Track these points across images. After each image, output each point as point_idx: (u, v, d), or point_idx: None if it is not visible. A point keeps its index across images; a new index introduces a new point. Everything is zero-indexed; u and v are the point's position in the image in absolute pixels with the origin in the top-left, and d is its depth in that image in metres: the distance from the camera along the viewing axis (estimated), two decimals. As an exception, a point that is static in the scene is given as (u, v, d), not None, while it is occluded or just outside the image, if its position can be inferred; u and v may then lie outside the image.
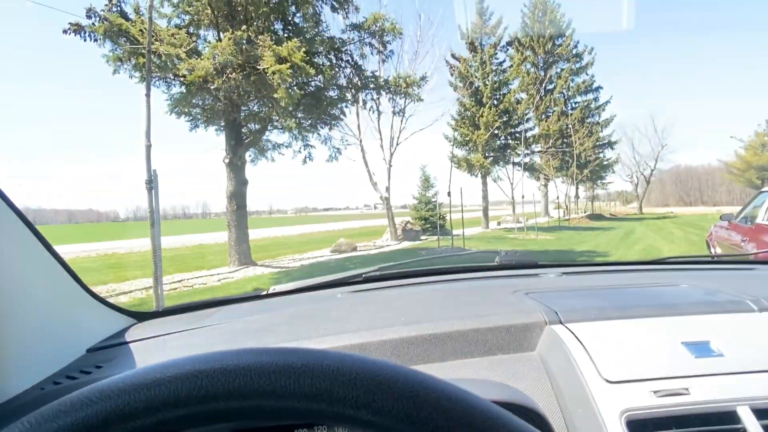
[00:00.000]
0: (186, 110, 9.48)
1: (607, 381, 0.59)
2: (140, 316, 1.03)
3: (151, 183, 4.90)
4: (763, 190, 5.44)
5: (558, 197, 29.54)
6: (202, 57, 8.08)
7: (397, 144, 16.61)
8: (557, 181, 30.09)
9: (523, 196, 21.08)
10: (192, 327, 0.88)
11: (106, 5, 7.53)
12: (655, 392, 0.57)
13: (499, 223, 23.63)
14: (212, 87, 8.38)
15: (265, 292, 1.16)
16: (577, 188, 33.02)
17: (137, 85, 8.79)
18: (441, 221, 16.17)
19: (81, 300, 0.84)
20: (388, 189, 16.42)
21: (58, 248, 0.78)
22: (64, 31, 7.30)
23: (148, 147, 5.18)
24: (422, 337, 0.70)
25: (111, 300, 0.97)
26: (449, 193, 13.60)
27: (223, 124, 9.90)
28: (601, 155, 31.12)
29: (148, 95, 5.42)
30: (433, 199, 18.23)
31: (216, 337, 0.81)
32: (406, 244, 14.92)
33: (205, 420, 0.29)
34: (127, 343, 0.83)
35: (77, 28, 7.30)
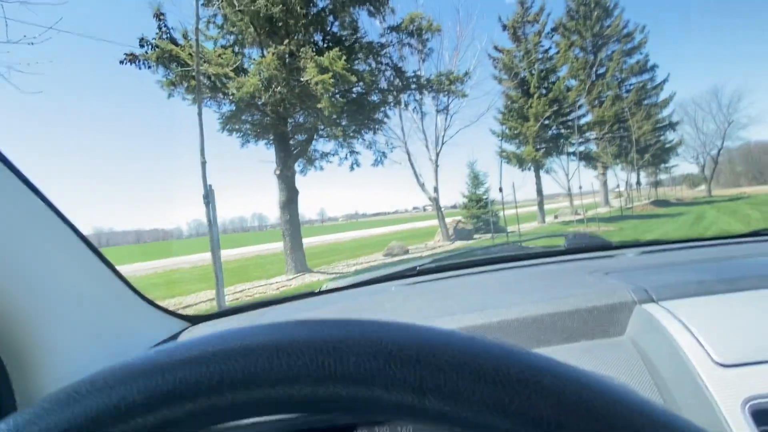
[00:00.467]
0: (237, 127, 9.85)
1: (721, 365, 0.51)
2: (194, 319, 1.02)
3: (208, 198, 5.09)
4: None
5: (618, 185, 28.10)
6: (248, 74, 8.37)
7: (443, 143, 16.46)
8: (616, 168, 28.64)
9: (580, 187, 20.24)
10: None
11: (157, 33, 7.97)
12: None
13: (556, 217, 22.78)
14: (260, 102, 8.66)
15: (318, 290, 1.13)
16: (638, 175, 31.25)
17: (191, 106, 9.26)
18: (494, 218, 15.80)
19: (134, 305, 0.84)
20: (436, 189, 16.27)
21: (127, 266, 0.78)
22: (121, 62, 7.80)
23: (203, 164, 5.40)
24: (488, 326, 0.63)
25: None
26: (501, 189, 13.27)
27: (272, 137, 10.20)
28: (663, 138, 29.35)
29: (200, 114, 5.66)
30: (484, 197, 17.86)
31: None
32: (458, 244, 14.69)
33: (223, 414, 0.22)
34: None
35: (132, 58, 7.78)
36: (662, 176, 38.52)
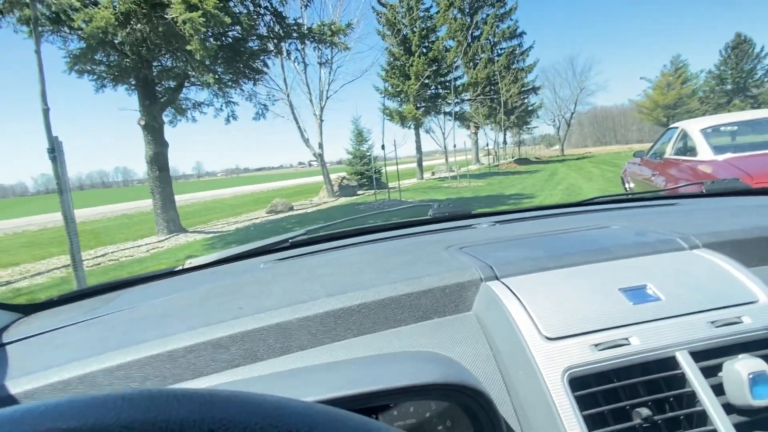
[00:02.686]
0: (88, 68, 8.53)
1: (547, 338, 0.57)
2: (26, 309, 0.89)
3: (54, 151, 4.40)
4: (670, 127, 5.85)
5: (488, 144, 30.41)
6: (99, 6, 7.19)
7: (327, 97, 16.16)
8: (486, 128, 30.93)
9: (455, 145, 21.44)
10: (86, 318, 0.76)
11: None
12: (595, 345, 0.56)
13: (433, 173, 24.05)
14: (116, 41, 7.55)
15: (179, 268, 1.05)
16: (505, 134, 34.15)
17: (27, 40, 7.72)
18: (377, 175, 16.16)
19: None
20: (321, 145, 16.06)
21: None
22: None
23: (46, 111, 4.60)
24: (350, 309, 0.64)
25: (25, 283, 0.83)
26: (383, 147, 13.56)
27: (133, 82, 9.04)
28: (526, 101, 32.20)
29: (38, 51, 4.76)
30: (368, 153, 18.11)
31: (112, 329, 0.69)
32: (343, 200, 14.84)
33: None
34: (4, 344, 0.70)
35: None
36: (525, 136, 42.59)
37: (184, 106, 10.47)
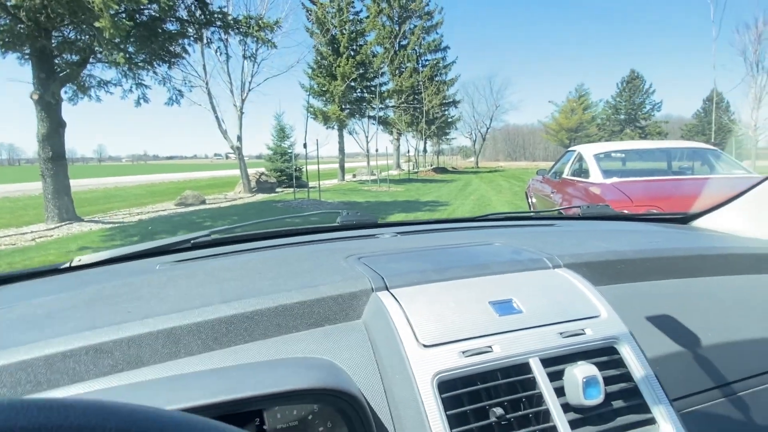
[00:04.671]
0: (-29, 29, 7.51)
1: (423, 345, 0.62)
2: None
3: None
4: (568, 149, 6.45)
5: (408, 151, 31.24)
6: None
7: (249, 89, 15.64)
8: (408, 135, 31.80)
9: (377, 150, 21.75)
10: None
11: None
12: (463, 352, 0.62)
13: (354, 176, 24.19)
14: (9, 3, 6.75)
15: (65, 265, 0.98)
16: (425, 143, 35.30)
17: None
18: (297, 173, 15.93)
19: None
20: (240, 138, 15.50)
21: None
22: None
23: None
24: (243, 316, 0.65)
25: None
26: (305, 145, 13.40)
27: (28, 51, 8.11)
28: (447, 112, 33.58)
29: None
30: (289, 150, 17.78)
31: None
32: (260, 197, 14.44)
33: None
34: None
35: None
36: (444, 146, 44.32)
37: (87, 84, 9.58)
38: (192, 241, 1.07)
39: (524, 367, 0.64)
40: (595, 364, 0.65)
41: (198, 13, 8.89)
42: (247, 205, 12.33)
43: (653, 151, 6.03)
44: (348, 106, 22.09)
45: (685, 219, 1.45)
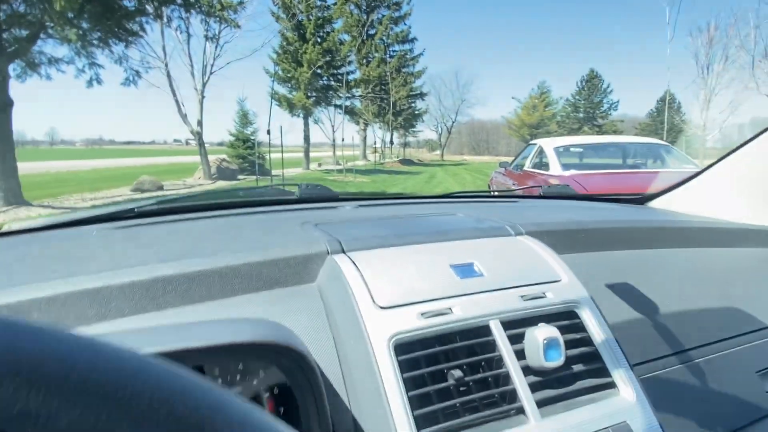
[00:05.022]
0: None
1: (380, 307, 0.61)
2: None
3: None
4: (530, 143, 6.64)
5: (375, 142, 31.24)
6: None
7: (211, 73, 15.22)
8: (375, 126, 31.77)
9: (343, 139, 21.65)
10: None
11: None
12: (422, 314, 0.61)
13: (319, 165, 23.98)
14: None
15: None
16: (392, 134, 35.40)
17: None
18: (260, 160, 15.65)
19: None
20: (200, 123, 15.09)
21: None
22: None
23: None
24: (184, 276, 0.61)
25: None
26: (269, 132, 13.15)
27: (-31, 22, 7.60)
28: (414, 105, 33.71)
29: None
30: (252, 137, 17.42)
31: None
32: (221, 183, 14.12)
33: None
34: None
35: None
36: (410, 138, 44.56)
37: (37, 61, 9.07)
38: (136, 209, 1.00)
39: (484, 330, 0.63)
40: (558, 327, 0.64)
41: (157, -10, 8.55)
42: (207, 192, 12.02)
43: (609, 145, 6.31)
44: (314, 94, 21.82)
45: (642, 200, 1.52)
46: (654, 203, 1.48)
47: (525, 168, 6.01)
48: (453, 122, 51.31)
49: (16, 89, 7.95)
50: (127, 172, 18.69)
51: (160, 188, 11.92)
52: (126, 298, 0.58)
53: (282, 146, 13.48)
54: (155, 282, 0.60)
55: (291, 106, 21.01)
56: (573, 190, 1.78)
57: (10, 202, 8.17)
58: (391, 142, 36.84)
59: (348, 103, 24.58)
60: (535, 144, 6.18)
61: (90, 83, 9.21)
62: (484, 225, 0.88)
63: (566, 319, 0.69)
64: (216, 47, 14.85)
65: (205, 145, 15.14)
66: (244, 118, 17.99)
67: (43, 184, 12.92)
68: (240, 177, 15.95)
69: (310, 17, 20.67)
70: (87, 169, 21.06)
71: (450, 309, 0.62)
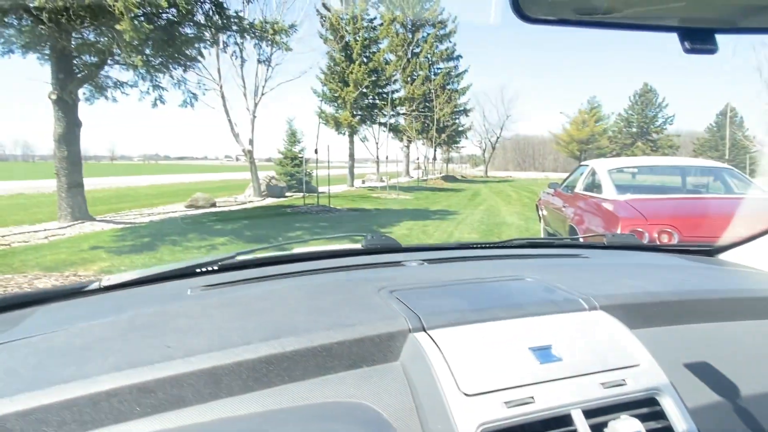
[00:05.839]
0: (-6, 30, 7.66)
1: (465, 394, 0.62)
2: None
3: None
4: (582, 164, 6.43)
5: (418, 158, 31.29)
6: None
7: (262, 94, 15.77)
8: (418, 143, 31.84)
9: (387, 156, 21.84)
10: None
11: None
12: (506, 403, 0.62)
13: (363, 182, 24.24)
14: (32, 5, 6.88)
15: (95, 285, 0.95)
16: (435, 151, 35.32)
17: None
18: (307, 178, 16.00)
19: None
20: (251, 141, 15.61)
21: None
22: None
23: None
24: (283, 355, 0.64)
25: None
26: (316, 151, 13.45)
27: (47, 52, 8.25)
28: (458, 121, 33.61)
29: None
30: (300, 155, 17.87)
31: (22, 359, 0.63)
32: (270, 201, 14.50)
33: None
34: None
35: None
36: (453, 154, 44.36)
37: (104, 84, 9.72)
38: (219, 264, 1.07)
39: (566, 419, 0.63)
40: (636, 416, 0.64)
41: (215, 17, 8.99)
42: (257, 209, 12.39)
43: (667, 168, 5.99)
44: (359, 113, 22.17)
45: (712, 252, 1.43)
46: (726, 255, 1.39)
47: (576, 190, 5.80)
48: (497, 138, 50.70)
49: (82, 109, 8.54)
50: (181, 188, 19.62)
51: (213, 205, 12.38)
52: (235, 378, 0.61)
53: (328, 163, 13.73)
54: (259, 362, 0.63)
55: (337, 125, 21.44)
56: (637, 239, 1.70)
57: (76, 218, 8.70)
58: (434, 158, 36.78)
59: (392, 120, 24.82)
60: (586, 165, 5.97)
61: (154, 104, 9.73)
62: (556, 297, 0.87)
63: (646, 406, 0.68)
64: (267, 69, 15.47)
65: (255, 162, 15.63)
66: (293, 137, 18.50)
67: (105, 200, 13.74)
68: (287, 194, 16.34)
69: (357, 38, 21.14)
70: (145, 185, 22.26)
71: (532, 398, 0.63)
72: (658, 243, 3.92)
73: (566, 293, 0.89)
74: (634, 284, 0.99)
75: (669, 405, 0.68)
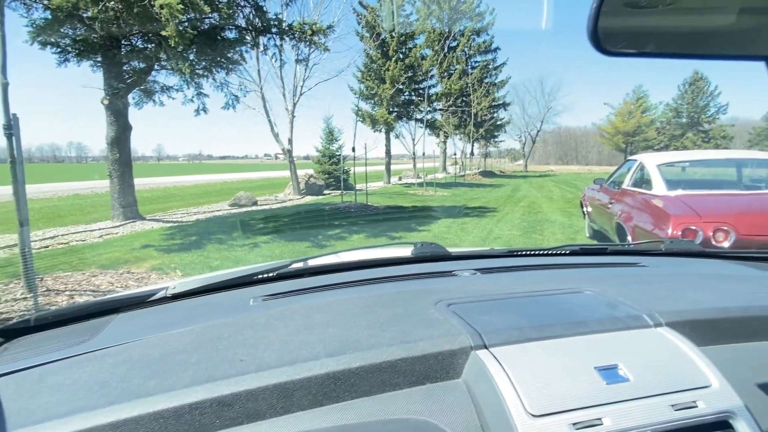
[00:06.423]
0: (53, 40, 8.12)
1: (532, 415, 0.61)
2: (7, 334, 0.85)
3: (11, 128, 4.18)
4: (629, 158, 6.17)
5: (455, 154, 30.93)
6: (70, -23, 6.86)
7: (301, 94, 16.00)
8: (455, 138, 31.46)
9: (423, 153, 21.77)
10: (76, 353, 0.74)
11: None
12: (573, 425, 0.60)
13: (400, 178, 24.23)
14: (86, 15, 7.23)
15: (162, 294, 1.02)
16: (472, 146, 34.85)
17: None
18: (345, 176, 16.15)
19: None
20: (291, 141, 15.89)
21: None
22: None
23: (5, 85, 4.37)
24: (350, 371, 0.66)
25: None
26: (353, 149, 13.55)
27: (100, 59, 8.67)
28: (496, 115, 32.98)
29: (1, 23, 4.51)
30: (337, 153, 18.06)
31: (108, 370, 0.67)
32: (309, 199, 14.73)
33: None
34: None
35: None
36: (491, 149, 43.57)
37: (152, 89, 10.13)
38: (276, 272, 1.11)
39: None
40: None
41: (255, 20, 9.18)
42: (297, 207, 12.61)
43: (722, 161, 5.65)
44: (396, 109, 22.16)
45: None
46: None
47: (624, 186, 5.58)
48: (538, 131, 49.47)
49: (131, 113, 8.93)
50: (224, 187, 20.24)
51: (255, 203, 12.70)
52: (305, 393, 0.64)
53: (366, 161, 13.80)
54: (327, 377, 0.65)
55: (374, 122, 21.51)
56: (698, 246, 1.61)
57: (127, 217, 9.13)
58: (472, 153, 36.28)
59: (429, 116, 24.64)
60: (634, 160, 5.72)
61: (197, 112, 10.05)
62: (619, 313, 0.84)
63: (719, 429, 0.65)
64: (306, 69, 15.68)
65: (294, 161, 15.91)
66: (330, 135, 18.71)
67: (153, 199, 14.35)
68: (326, 192, 16.56)
69: (393, 35, 21.10)
70: (190, 185, 23.09)
71: (600, 420, 0.61)
72: (713, 243, 3.72)
73: (629, 308, 0.86)
74: (700, 298, 0.94)
75: (743, 429, 0.65)
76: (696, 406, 0.65)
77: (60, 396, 0.61)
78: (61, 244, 7.17)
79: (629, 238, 4.54)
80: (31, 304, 3.96)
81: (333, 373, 0.65)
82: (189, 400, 0.59)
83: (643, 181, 5.14)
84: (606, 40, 0.56)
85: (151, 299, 1.01)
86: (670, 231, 3.82)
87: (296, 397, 0.63)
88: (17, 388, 0.65)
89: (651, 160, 5.09)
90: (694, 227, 3.77)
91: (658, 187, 4.68)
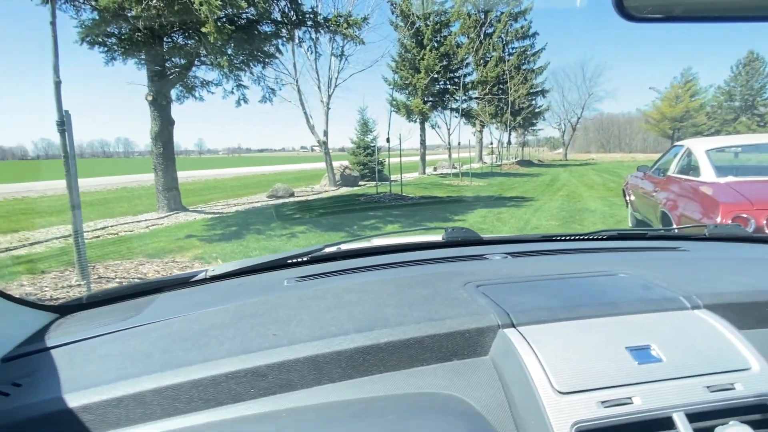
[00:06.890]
0: (100, 40, 8.49)
1: (559, 392, 0.61)
2: (62, 310, 0.92)
3: (63, 125, 4.42)
4: (675, 144, 5.89)
5: (492, 143, 30.39)
6: (115, -22, 7.14)
7: (336, 86, 16.10)
8: (491, 127, 30.87)
9: (459, 142, 21.43)
10: (123, 327, 0.80)
11: None
12: (602, 402, 0.60)
13: (435, 169, 24.04)
14: (130, 14, 7.52)
15: (202, 276, 1.08)
16: (509, 134, 34.10)
17: (40, 7, 7.67)
18: (379, 167, 16.18)
19: None
20: (326, 132, 16.03)
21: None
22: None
23: (58, 83, 4.61)
24: (378, 346, 0.68)
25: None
26: (388, 140, 13.54)
27: (143, 57, 9.01)
28: (534, 102, 32.10)
29: (53, 23, 4.75)
30: (372, 144, 18.09)
31: (152, 343, 0.72)
32: (344, 190, 14.87)
33: None
34: (49, 349, 0.74)
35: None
36: (529, 137, 42.50)
37: (192, 84, 10.45)
38: (309, 256, 1.14)
39: (667, 422, 0.59)
40: (747, 423, 0.59)
41: (291, 13, 9.28)
42: (333, 198, 12.76)
43: None
44: (431, 99, 21.94)
45: None
46: None
47: (669, 173, 5.32)
48: (578, 118, 47.85)
49: (174, 108, 9.24)
50: (262, 180, 20.70)
51: (292, 194, 12.94)
52: (335, 365, 0.66)
53: (400, 152, 13.75)
54: (356, 351, 0.67)
55: (408, 112, 21.39)
56: (744, 230, 1.51)
57: (171, 208, 9.50)
58: (509, 143, 35.50)
59: (465, 105, 24.28)
60: (681, 145, 5.45)
61: (238, 103, 10.33)
62: (654, 295, 0.82)
63: (759, 412, 0.62)
64: (340, 61, 15.74)
65: (330, 153, 16.06)
66: (365, 127, 18.75)
67: (195, 191, 14.85)
68: (360, 183, 16.65)
69: (428, 23, 20.83)
70: (229, 177, 23.74)
71: (630, 398, 0.61)
72: (767, 232, 3.51)
73: (665, 290, 0.84)
74: (742, 281, 0.91)
75: None
76: (734, 389, 0.63)
77: (108, 365, 0.67)
78: (111, 234, 7.55)
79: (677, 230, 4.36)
80: (84, 290, 4.20)
81: (362, 348, 0.67)
82: (225, 369, 0.63)
83: (690, 167, 4.91)
84: (631, 3, 0.53)
85: (191, 280, 1.07)
86: (719, 219, 3.64)
87: (326, 370, 0.66)
88: (70, 358, 0.72)
89: (699, 146, 4.84)
90: (745, 215, 3.58)
91: (707, 174, 4.45)
